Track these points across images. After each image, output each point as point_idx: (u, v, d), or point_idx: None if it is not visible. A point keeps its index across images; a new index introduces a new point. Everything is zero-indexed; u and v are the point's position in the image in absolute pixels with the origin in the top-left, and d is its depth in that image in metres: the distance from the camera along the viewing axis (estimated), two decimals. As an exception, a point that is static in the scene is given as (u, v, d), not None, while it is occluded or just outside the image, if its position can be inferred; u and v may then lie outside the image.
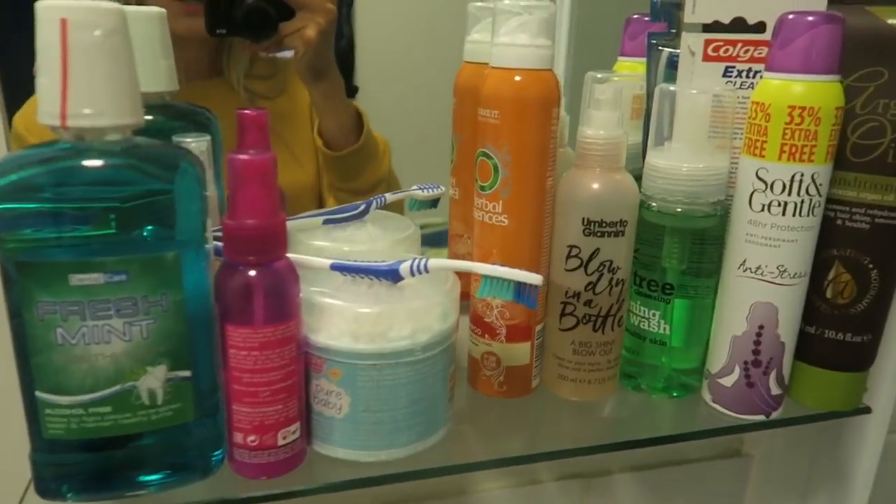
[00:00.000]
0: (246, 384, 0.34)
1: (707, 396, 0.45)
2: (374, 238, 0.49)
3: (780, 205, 0.39)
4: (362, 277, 0.39)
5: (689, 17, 0.43)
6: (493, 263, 0.39)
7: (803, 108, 0.37)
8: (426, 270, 0.38)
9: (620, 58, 0.57)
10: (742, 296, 0.42)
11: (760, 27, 0.42)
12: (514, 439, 0.44)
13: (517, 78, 0.39)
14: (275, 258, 0.34)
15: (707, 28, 0.43)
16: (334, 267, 0.39)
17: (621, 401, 0.47)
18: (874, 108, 0.40)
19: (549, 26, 0.39)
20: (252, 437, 0.35)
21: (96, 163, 0.30)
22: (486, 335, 0.44)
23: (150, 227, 0.31)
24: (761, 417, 0.43)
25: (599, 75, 0.50)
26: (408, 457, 0.38)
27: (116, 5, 0.30)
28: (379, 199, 0.52)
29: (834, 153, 0.39)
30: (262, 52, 0.69)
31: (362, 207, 0.50)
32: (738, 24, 0.42)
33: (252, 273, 0.33)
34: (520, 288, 0.37)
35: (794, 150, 0.38)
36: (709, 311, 0.45)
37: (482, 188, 0.41)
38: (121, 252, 0.31)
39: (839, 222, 0.42)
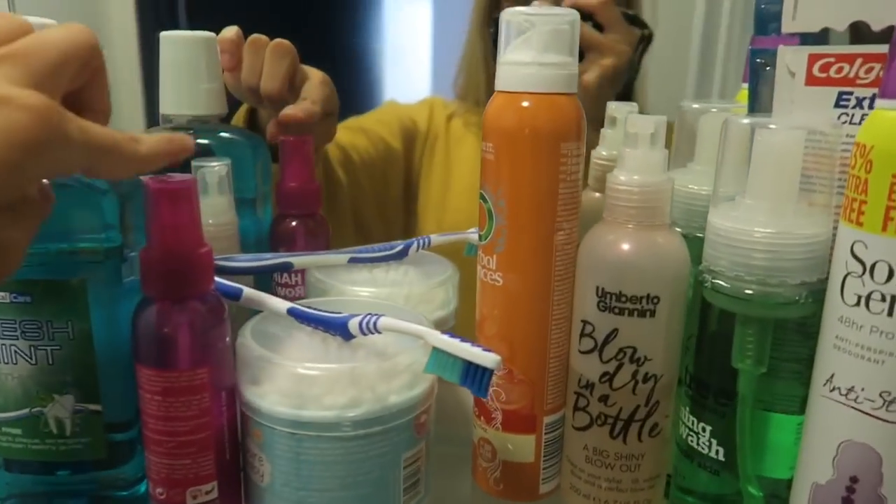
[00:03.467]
0: (152, 430, 0.31)
1: (782, 561, 0.31)
2: (400, 280, 0.44)
3: (884, 299, 0.26)
4: (315, 328, 0.34)
5: (787, 24, 0.31)
6: (471, 337, 0.31)
7: (924, 155, 0.24)
8: (376, 330, 0.32)
9: (744, 84, 0.44)
10: (828, 427, 0.28)
11: (890, 35, 0.28)
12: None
13: (524, 104, 0.31)
14: (191, 295, 0.31)
15: (813, 39, 0.31)
16: (291, 312, 0.35)
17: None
18: None
19: (562, 39, 0.31)
20: (160, 490, 0.32)
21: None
22: (482, 418, 0.36)
23: (55, 250, 0.30)
24: None
25: (696, 106, 0.40)
26: (331, 550, 0.32)
27: None
28: (422, 241, 0.46)
29: None
30: None
31: (399, 248, 0.45)
32: (860, 33, 0.29)
33: (162, 310, 0.30)
34: (468, 369, 0.29)
35: (907, 217, 0.25)
36: (792, 432, 0.31)
37: (480, 237, 0.34)
38: (25, 273, 0.30)
39: None
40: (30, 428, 0.31)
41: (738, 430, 0.31)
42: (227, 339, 0.32)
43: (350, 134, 0.74)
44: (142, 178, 0.30)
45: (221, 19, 0.53)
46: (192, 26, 0.45)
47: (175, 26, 0.45)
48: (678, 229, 0.35)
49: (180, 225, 0.30)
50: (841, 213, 0.27)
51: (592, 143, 0.46)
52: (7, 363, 0.30)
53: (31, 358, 0.30)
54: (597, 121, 0.54)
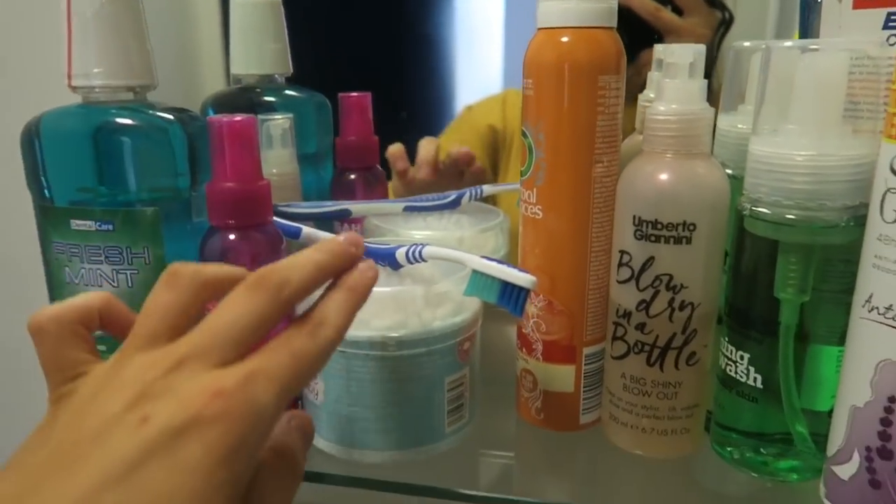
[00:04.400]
0: (218, 348, 0.34)
1: (821, 489, 0.31)
2: (452, 227, 0.45)
3: (921, 213, 0.25)
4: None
5: (832, -53, 0.31)
6: (514, 264, 0.33)
7: (960, 60, 0.23)
8: (421, 257, 0.34)
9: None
10: (866, 348, 0.28)
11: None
12: (528, 480, 0.37)
13: (563, 39, 0.32)
14: (254, 224, 0.33)
15: (859, -40, 0.30)
16: (345, 247, 0.37)
17: (699, 468, 0.35)
18: None
19: (600, -27, 0.32)
20: (226, 404, 0.35)
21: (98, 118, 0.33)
22: (524, 349, 0.37)
23: (134, 183, 0.33)
24: (896, 539, 0.28)
25: (747, 44, 0.39)
26: (380, 463, 0.34)
27: None
28: (475, 191, 0.48)
29: None
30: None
31: (453, 197, 0.47)
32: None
33: (229, 236, 0.33)
34: (505, 289, 0.30)
35: (944, 126, 0.24)
36: (833, 363, 0.31)
37: (521, 173, 0.35)
38: (107, 204, 0.33)
39: None
40: (113, 349, 0.35)
41: (780, 361, 0.31)
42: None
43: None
44: (207, 117, 0.33)
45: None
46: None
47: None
48: (728, 171, 0.35)
49: (241, 159, 0.33)
50: (884, 132, 0.27)
51: None
52: (93, 286, 0.34)
53: (113, 281, 0.34)
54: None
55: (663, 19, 0.60)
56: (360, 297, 0.24)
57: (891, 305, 0.27)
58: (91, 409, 0.20)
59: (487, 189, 0.48)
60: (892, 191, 0.26)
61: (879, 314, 0.27)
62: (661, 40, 0.61)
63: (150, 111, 0.34)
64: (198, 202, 0.35)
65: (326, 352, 0.22)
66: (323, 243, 0.24)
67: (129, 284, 0.34)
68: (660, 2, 0.60)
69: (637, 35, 0.59)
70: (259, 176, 0.33)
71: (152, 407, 0.19)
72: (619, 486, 0.35)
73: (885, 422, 0.28)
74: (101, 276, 0.34)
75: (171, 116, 0.34)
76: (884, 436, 0.28)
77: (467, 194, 0.47)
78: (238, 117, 0.32)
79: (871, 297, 0.28)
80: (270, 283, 0.22)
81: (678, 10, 0.62)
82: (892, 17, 0.30)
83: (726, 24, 0.64)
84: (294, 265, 0.23)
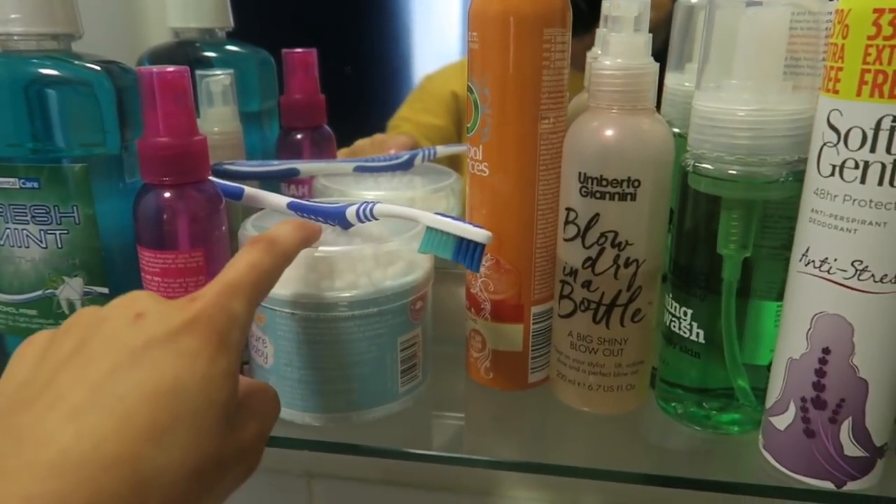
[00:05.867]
0: (155, 311, 0.33)
1: (760, 440, 0.32)
2: (404, 188, 0.45)
3: (857, 166, 0.26)
4: (314, 219, 0.35)
5: None
6: (458, 218, 0.32)
7: (897, 12, 0.24)
8: (372, 216, 0.33)
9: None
10: (802, 301, 0.29)
11: None
12: (478, 438, 0.37)
13: (508, -9, 0.31)
14: (190, 181, 0.32)
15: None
16: (290, 206, 0.36)
17: (645, 423, 0.36)
18: None
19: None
20: (165, 368, 0.34)
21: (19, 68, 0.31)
22: (472, 309, 0.37)
23: (60, 138, 0.31)
24: (828, 485, 0.29)
25: (694, 1, 0.39)
26: (334, 427, 0.34)
27: None
28: (427, 152, 0.47)
29: (968, 88, 0.24)
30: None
31: (405, 158, 0.46)
32: None
33: (164, 194, 0.32)
34: (460, 245, 0.30)
35: (880, 79, 0.24)
36: (772, 318, 0.32)
37: (468, 129, 0.34)
38: (32, 160, 0.31)
39: None
40: (44, 309, 0.33)
41: (723, 317, 0.32)
42: (224, 228, 0.33)
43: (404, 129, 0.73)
44: (137, 68, 0.31)
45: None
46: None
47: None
48: (676, 129, 0.35)
49: (174, 113, 0.31)
50: (822, 87, 0.27)
51: None
52: (20, 247, 0.32)
53: (41, 241, 0.32)
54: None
55: None
56: (312, 228, 0.29)
57: (826, 258, 0.27)
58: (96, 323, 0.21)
59: (441, 150, 0.47)
60: (829, 144, 0.26)
61: (815, 267, 0.28)
62: None
63: (76, 62, 0.32)
64: (130, 160, 0.34)
65: (280, 266, 0.26)
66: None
67: (59, 245, 0.32)
68: None
69: (596, 4, 0.58)
70: (194, 131, 0.32)
71: (146, 312, 0.21)
72: (567, 443, 0.36)
73: (819, 372, 0.28)
74: (28, 236, 0.32)
75: (97, 67, 0.32)
76: (818, 386, 0.28)
77: (420, 155, 0.46)
78: (170, 68, 0.31)
79: (807, 250, 0.28)
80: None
81: None
82: (835, -28, 0.30)
83: None
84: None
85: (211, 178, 0.34)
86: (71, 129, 0.32)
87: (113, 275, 0.33)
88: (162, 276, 0.32)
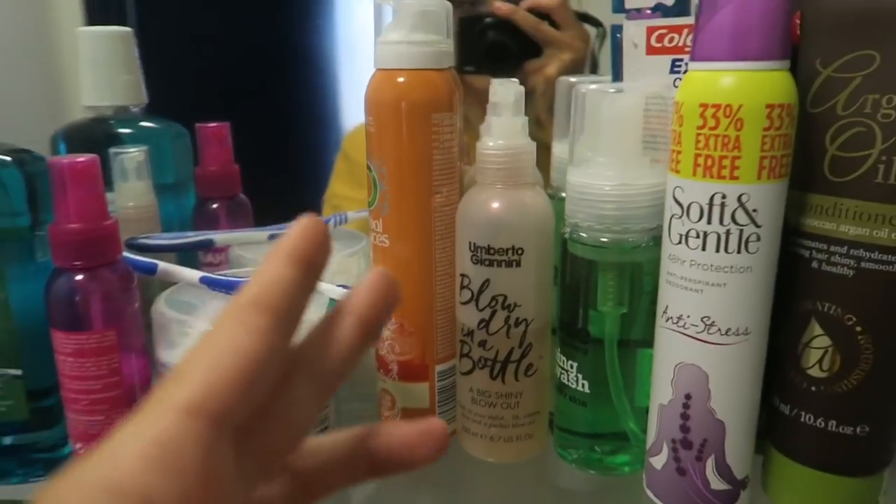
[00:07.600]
0: (68, 390, 0.34)
1: (644, 478, 0.35)
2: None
3: (698, 235, 0.30)
4: (227, 294, 0.37)
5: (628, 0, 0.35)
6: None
7: (717, 107, 0.28)
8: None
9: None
10: (666, 352, 0.32)
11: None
12: (392, 493, 0.39)
13: (400, 79, 0.35)
14: (101, 263, 0.34)
15: (676, 11, 0.34)
16: (202, 280, 0.38)
17: (549, 469, 0.39)
18: (860, 106, 0.29)
19: (430, 19, 0.34)
20: (79, 445, 0.35)
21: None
22: (381, 369, 0.39)
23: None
24: (701, 518, 0.33)
25: (573, 79, 0.43)
26: None
27: None
28: (339, 217, 0.49)
29: (781, 168, 0.28)
30: None
31: (316, 224, 0.48)
32: (683, 5, 0.33)
33: (76, 277, 0.33)
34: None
35: (709, 162, 0.28)
36: (649, 366, 0.35)
37: (368, 204, 0.37)
38: (-60, 248, 0.32)
39: (814, 265, 0.31)
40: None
41: (608, 367, 0.35)
42: (136, 305, 0.35)
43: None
44: (49, 158, 0.33)
45: (172, 14, 0.55)
46: (140, 21, 0.47)
47: (123, 21, 0.48)
48: (563, 193, 0.39)
49: (84, 200, 0.33)
50: (669, 165, 0.31)
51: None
52: (-71, 333, 0.33)
53: (-49, 326, 0.33)
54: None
55: (543, 31, 0.66)
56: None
57: (681, 315, 0.31)
58: None
59: (351, 216, 0.50)
60: (676, 216, 0.30)
61: (674, 323, 0.31)
62: (541, 52, 0.67)
63: (-16, 152, 0.34)
64: (42, 242, 0.35)
65: None
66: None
67: (-31, 330, 0.33)
68: (539, 17, 0.66)
69: (522, 46, 0.66)
70: (104, 215, 0.34)
71: None
72: (476, 491, 0.38)
73: (684, 416, 0.32)
74: (-63, 322, 0.33)
75: (7, 158, 0.34)
76: (684, 428, 0.32)
77: (332, 220, 0.49)
78: (80, 157, 0.33)
79: (667, 308, 0.32)
80: None
81: (555, 26, 0.67)
82: (677, 63, 0.34)
83: (601, 37, 0.70)
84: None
85: (125, 253, 0.35)
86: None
87: (26, 356, 0.34)
88: (75, 357, 0.33)
